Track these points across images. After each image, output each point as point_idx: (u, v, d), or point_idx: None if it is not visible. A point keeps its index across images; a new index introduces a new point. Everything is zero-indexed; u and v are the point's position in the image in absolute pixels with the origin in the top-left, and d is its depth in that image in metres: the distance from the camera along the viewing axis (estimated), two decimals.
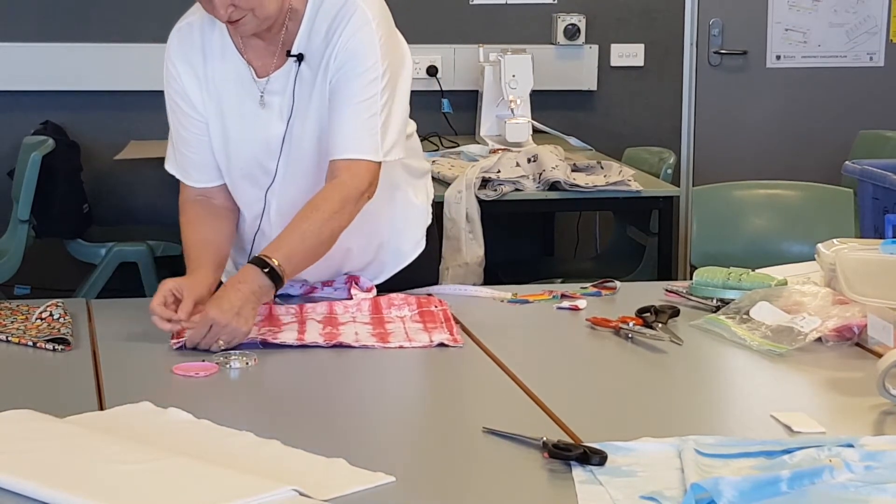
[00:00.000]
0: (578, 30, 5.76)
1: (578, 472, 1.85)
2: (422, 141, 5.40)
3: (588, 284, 2.88)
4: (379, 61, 2.63)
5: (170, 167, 2.82)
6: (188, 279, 2.58)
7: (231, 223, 2.78)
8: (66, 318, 2.57)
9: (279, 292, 2.69)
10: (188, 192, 2.80)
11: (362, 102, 2.63)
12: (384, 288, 2.81)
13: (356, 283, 2.75)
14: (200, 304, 2.50)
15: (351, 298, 2.71)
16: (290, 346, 2.46)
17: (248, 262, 2.55)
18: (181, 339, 2.45)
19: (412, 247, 2.89)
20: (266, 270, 2.51)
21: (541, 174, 4.47)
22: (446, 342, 2.48)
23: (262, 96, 2.68)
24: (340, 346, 2.46)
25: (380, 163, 2.66)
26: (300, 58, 2.65)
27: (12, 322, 2.57)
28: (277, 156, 2.69)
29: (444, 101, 5.64)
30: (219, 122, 2.73)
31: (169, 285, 2.53)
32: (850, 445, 1.91)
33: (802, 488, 1.77)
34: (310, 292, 2.78)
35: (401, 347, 2.47)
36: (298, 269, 2.60)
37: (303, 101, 2.66)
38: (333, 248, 2.65)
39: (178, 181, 2.82)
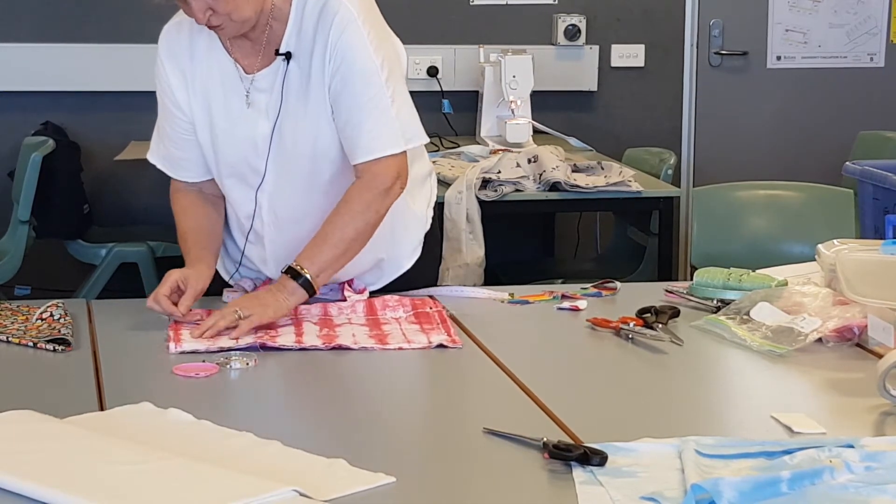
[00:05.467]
0: (579, 30, 5.76)
1: (579, 473, 1.85)
2: None
3: (588, 285, 2.88)
4: (373, 55, 2.63)
5: (153, 158, 2.85)
6: (193, 271, 2.64)
7: (223, 211, 2.83)
8: (67, 318, 2.57)
9: None
10: (178, 181, 2.85)
11: (370, 101, 2.63)
12: (383, 291, 2.81)
13: (349, 285, 2.75)
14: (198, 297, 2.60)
15: (345, 300, 2.71)
16: (290, 349, 2.46)
17: (287, 275, 2.59)
18: (181, 344, 2.45)
19: (409, 254, 2.88)
20: (301, 283, 2.58)
21: (541, 175, 4.47)
22: (445, 343, 2.48)
23: (247, 94, 2.69)
24: (339, 348, 2.46)
25: (404, 152, 2.66)
26: (288, 56, 2.65)
27: (12, 323, 2.57)
28: (266, 155, 2.70)
29: (445, 101, 5.63)
30: (206, 121, 2.74)
31: (175, 276, 2.60)
32: (851, 446, 1.91)
33: (803, 489, 1.77)
34: None
35: (400, 349, 2.47)
36: (332, 275, 2.65)
37: (292, 100, 2.67)
38: None
39: None
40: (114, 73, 5.44)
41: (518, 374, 2.32)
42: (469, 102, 5.59)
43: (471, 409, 2.25)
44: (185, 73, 2.74)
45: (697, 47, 5.97)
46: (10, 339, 2.49)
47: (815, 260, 2.76)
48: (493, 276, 4.52)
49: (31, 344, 2.47)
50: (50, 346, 2.45)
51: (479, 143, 5.24)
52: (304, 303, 2.67)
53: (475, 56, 5.60)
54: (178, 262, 2.74)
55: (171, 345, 2.45)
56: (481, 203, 4.37)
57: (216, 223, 2.80)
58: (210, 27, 2.61)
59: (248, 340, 2.46)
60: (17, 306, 2.68)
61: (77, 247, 5.16)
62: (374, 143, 2.63)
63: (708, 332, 2.56)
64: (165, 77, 2.76)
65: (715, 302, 2.71)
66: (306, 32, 2.64)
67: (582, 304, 2.73)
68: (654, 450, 1.92)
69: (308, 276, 2.57)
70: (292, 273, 2.58)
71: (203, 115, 2.74)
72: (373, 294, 2.77)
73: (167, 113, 2.79)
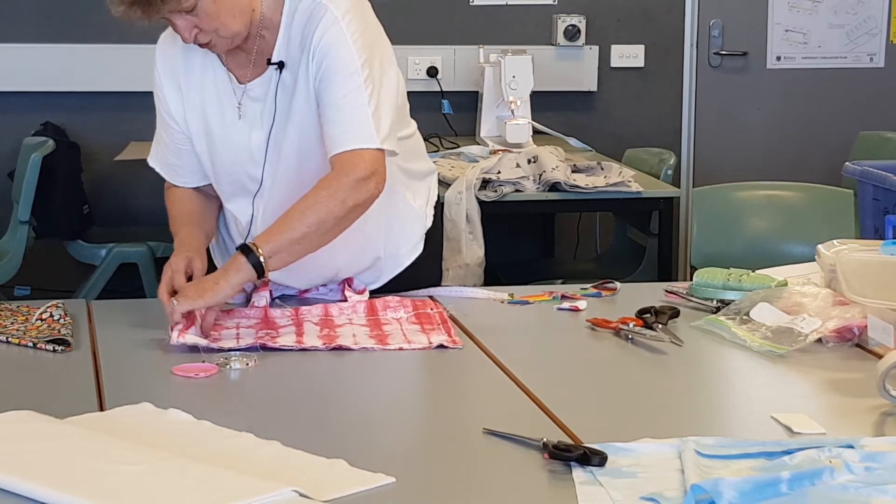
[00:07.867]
0: (579, 31, 5.77)
1: (578, 473, 1.85)
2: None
3: (588, 285, 2.88)
4: (355, 56, 2.62)
5: (153, 162, 2.88)
6: (190, 255, 2.64)
7: (217, 203, 2.84)
8: (67, 318, 2.57)
9: (277, 294, 2.72)
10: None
11: (346, 96, 2.62)
12: (386, 289, 2.81)
13: (349, 285, 2.75)
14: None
15: (345, 300, 2.71)
16: (290, 349, 2.46)
17: (240, 251, 2.56)
18: (183, 336, 2.44)
19: (408, 251, 2.87)
20: (252, 261, 2.53)
21: (541, 175, 4.47)
22: (445, 343, 2.48)
23: (239, 105, 2.70)
24: (340, 348, 2.46)
25: (381, 150, 2.64)
26: (280, 65, 2.66)
27: (12, 323, 2.57)
28: (262, 163, 2.71)
29: (445, 102, 5.64)
30: (202, 131, 2.76)
31: (181, 265, 2.60)
32: (851, 446, 1.91)
33: (803, 489, 1.77)
34: (304, 293, 2.78)
35: (400, 349, 2.47)
36: (286, 259, 2.59)
37: (285, 108, 2.67)
38: (328, 253, 2.64)
39: None
40: (114, 73, 5.44)
41: (518, 375, 2.32)
42: (469, 103, 5.59)
43: (471, 409, 2.25)
44: (180, 86, 2.75)
45: (697, 47, 5.94)
46: (9, 339, 2.49)
47: (815, 260, 2.76)
48: (493, 276, 4.52)
49: (31, 344, 2.47)
50: (50, 347, 2.45)
51: (478, 144, 5.25)
52: (306, 302, 2.68)
53: (475, 56, 5.60)
54: None
55: (174, 334, 2.44)
56: (481, 203, 4.37)
57: (210, 209, 2.82)
58: (200, 45, 2.62)
59: (248, 341, 2.46)
60: (17, 306, 2.68)
61: (77, 247, 5.17)
62: (345, 136, 2.62)
63: (708, 333, 2.56)
64: (161, 89, 2.78)
65: (715, 302, 2.71)
66: (295, 40, 2.65)
67: (582, 304, 2.73)
68: (654, 450, 1.92)
69: (260, 255, 2.53)
70: (245, 250, 2.56)
71: (199, 125, 2.75)
72: (374, 294, 2.77)
73: (163, 122, 2.82)
